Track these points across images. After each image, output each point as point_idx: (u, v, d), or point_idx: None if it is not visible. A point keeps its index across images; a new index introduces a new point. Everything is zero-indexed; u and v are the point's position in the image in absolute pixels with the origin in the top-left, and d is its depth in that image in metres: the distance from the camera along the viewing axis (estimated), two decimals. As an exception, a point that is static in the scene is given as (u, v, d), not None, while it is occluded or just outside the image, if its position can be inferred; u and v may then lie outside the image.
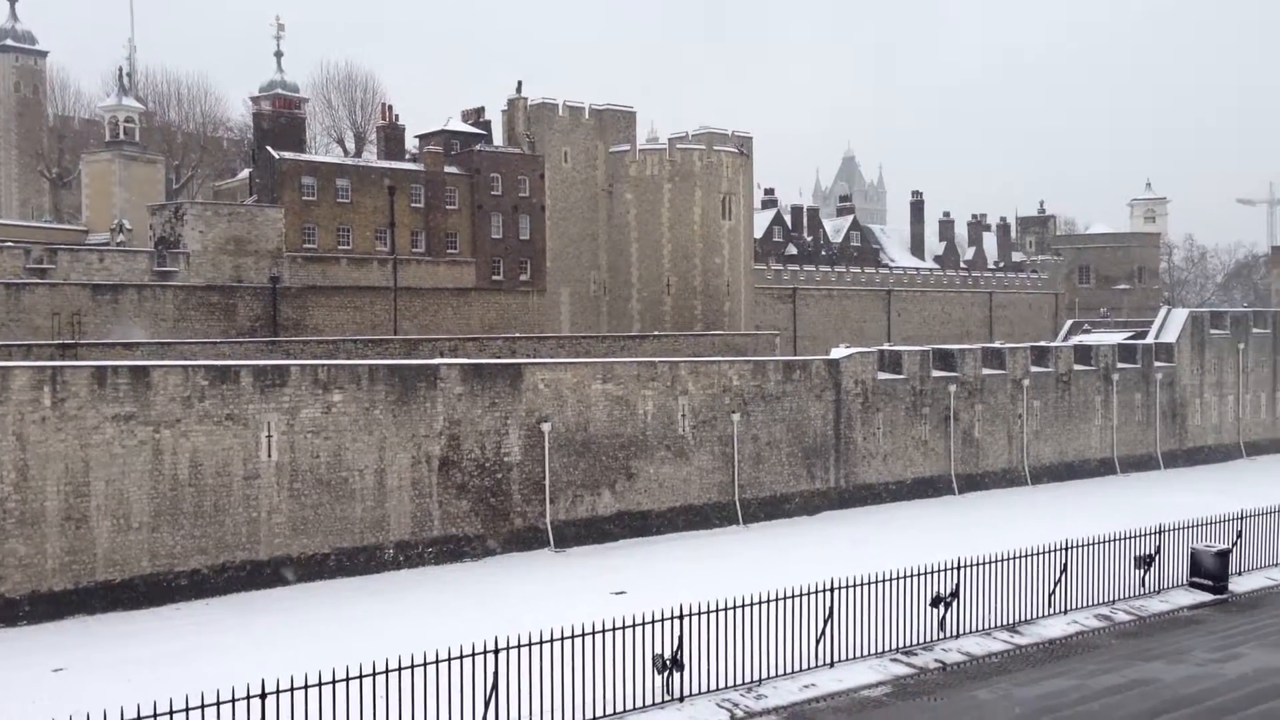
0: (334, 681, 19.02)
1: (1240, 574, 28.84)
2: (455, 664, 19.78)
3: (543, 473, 48.23)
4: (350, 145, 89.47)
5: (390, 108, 77.89)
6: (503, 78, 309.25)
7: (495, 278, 74.79)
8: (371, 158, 77.69)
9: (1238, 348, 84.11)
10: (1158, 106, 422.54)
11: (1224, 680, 16.73)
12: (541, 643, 20.30)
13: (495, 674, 19.90)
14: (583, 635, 20.63)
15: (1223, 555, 27.83)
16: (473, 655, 19.84)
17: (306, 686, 18.72)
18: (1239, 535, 29.28)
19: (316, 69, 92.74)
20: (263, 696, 18.41)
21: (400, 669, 19.32)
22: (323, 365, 43.73)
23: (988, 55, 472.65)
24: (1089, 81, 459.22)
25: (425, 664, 19.52)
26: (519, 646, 20.17)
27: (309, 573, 42.00)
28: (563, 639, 20.39)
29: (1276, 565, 29.86)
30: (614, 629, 20.86)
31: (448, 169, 73.33)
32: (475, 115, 79.46)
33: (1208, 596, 26.96)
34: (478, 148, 75.26)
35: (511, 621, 25.46)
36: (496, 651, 19.95)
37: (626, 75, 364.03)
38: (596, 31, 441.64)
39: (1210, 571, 27.50)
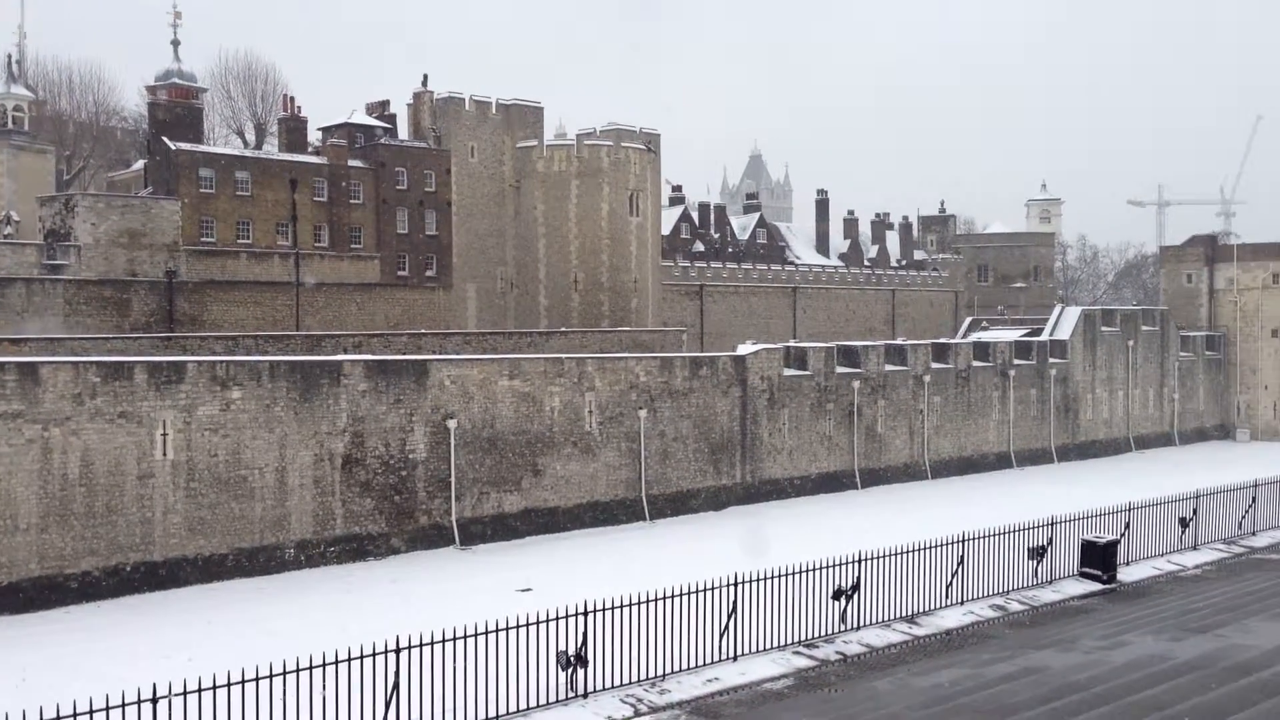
0: (229, 684, 18.62)
1: (1128, 564, 29.77)
2: (355, 664, 19.50)
3: (448, 470, 47.83)
4: (250, 137, 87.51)
5: (292, 99, 76.38)
6: (408, 71, 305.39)
7: (401, 273, 73.87)
8: (273, 150, 76.07)
9: (1127, 345, 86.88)
10: (1053, 107, 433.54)
11: (1110, 667, 17.24)
12: (444, 641, 20.12)
13: (396, 674, 19.67)
14: (486, 633, 20.50)
15: (1111, 546, 28.68)
16: (373, 655, 19.59)
17: (200, 690, 18.29)
18: (1127, 526, 30.21)
19: (215, 59, 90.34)
20: (154, 701, 17.94)
21: (298, 670, 18.98)
22: (221, 362, 42.78)
23: (895, 56, 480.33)
24: (989, 83, 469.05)
25: (324, 665, 19.21)
26: (421, 646, 19.96)
27: (206, 574, 41.07)
28: (465, 637, 20.23)
29: (1162, 555, 30.88)
30: (518, 626, 20.76)
31: (352, 163, 72.21)
32: (380, 108, 78.35)
33: (1097, 586, 27.78)
34: (382, 141, 74.24)
35: (414, 621, 25.18)
36: (398, 651, 19.72)
37: (536, 70, 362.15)
38: (504, 27, 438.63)
39: (1099, 562, 28.32)
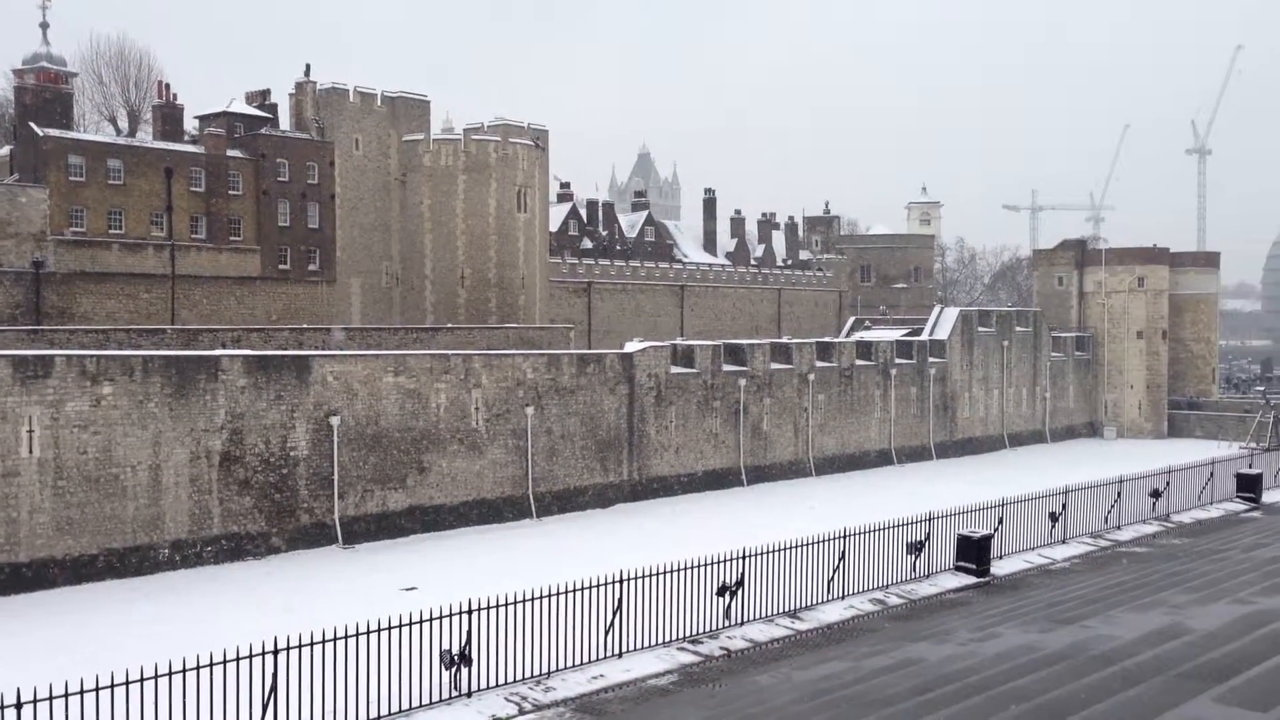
0: (97, 689, 17.97)
1: (1001, 558, 30.67)
2: (230, 666, 19.00)
3: (331, 467, 46.99)
4: (124, 124, 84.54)
5: (167, 86, 74.00)
6: (292, 61, 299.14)
7: (282, 267, 72.24)
8: (147, 138, 73.62)
9: (1002, 345, 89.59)
10: (929, 106, 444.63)
11: (983, 658, 17.75)
12: (324, 642, 19.73)
13: (274, 675, 19.22)
14: (368, 633, 20.17)
15: (985, 540, 29.53)
16: (249, 657, 19.11)
17: (67, 694, 17.62)
18: (1001, 521, 31.15)
19: (86, 43, 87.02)
20: (18, 706, 17.21)
21: (170, 674, 18.41)
22: (91, 356, 41.28)
23: (783, 58, 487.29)
24: (872, 85, 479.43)
25: (198, 668, 18.67)
26: (300, 646, 19.54)
27: (76, 575, 39.63)
28: (346, 637, 19.87)
29: (1034, 549, 31.90)
30: (400, 626, 20.48)
31: (231, 153, 70.33)
32: (261, 98, 76.47)
33: (972, 579, 28.56)
34: (263, 131, 72.49)
35: (294, 621, 24.66)
36: (275, 652, 19.27)
37: (426, 66, 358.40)
38: (391, 22, 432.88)
39: (974, 556, 29.14)
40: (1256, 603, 19.96)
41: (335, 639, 19.75)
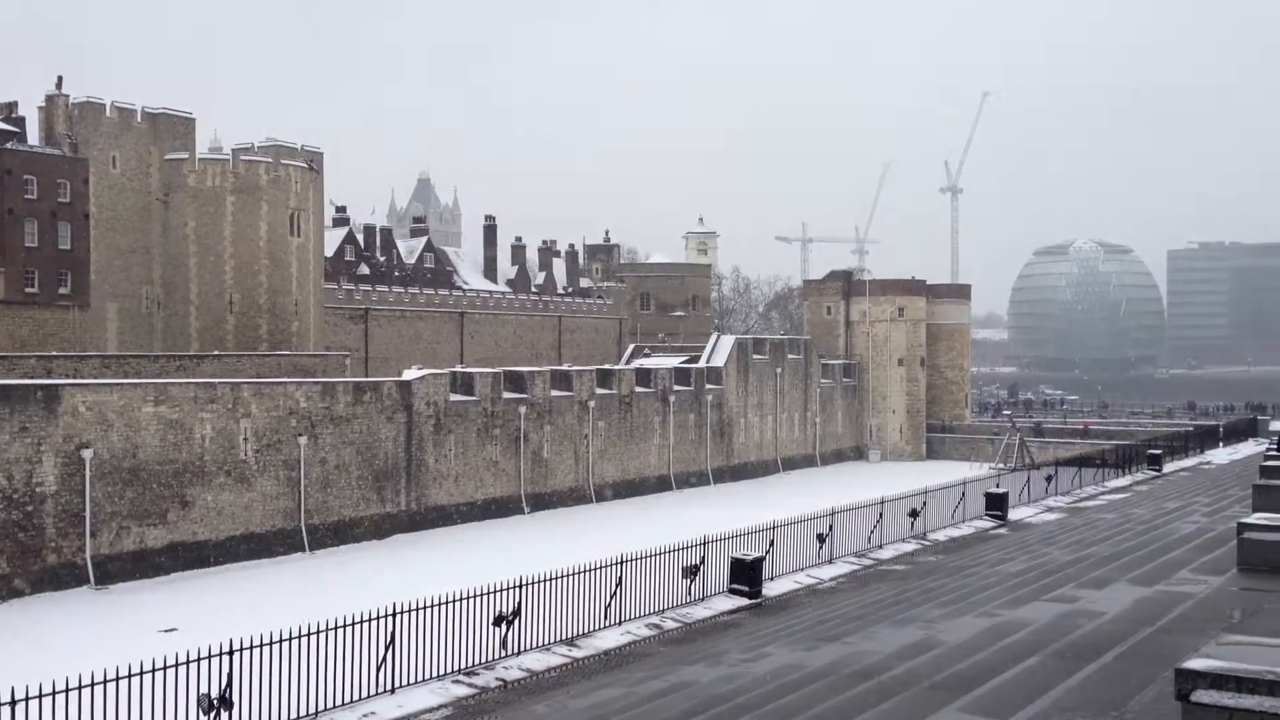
0: None
1: (773, 579, 31.52)
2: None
3: (83, 504, 44.09)
4: None
5: (-99, 93, 68.39)
6: (47, 73, 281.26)
7: (29, 290, 67.52)
8: (-125, 148, 67.67)
9: (776, 372, 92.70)
10: (708, 141, 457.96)
11: (752, 678, 18.16)
12: (66, 691, 18.35)
13: (11, 731, 17.76)
14: (116, 680, 18.87)
15: (757, 562, 30.29)
16: (-18, 713, 17.59)
17: None
18: (772, 543, 32.02)
19: None
20: None
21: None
22: None
23: (566, 96, 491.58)
24: (654, 115, 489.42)
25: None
26: (39, 697, 18.11)
27: None
28: (88, 686, 18.54)
29: (802, 569, 32.92)
30: (153, 670, 19.27)
31: (-27, 166, 65.46)
32: (7, 111, 71.56)
33: (744, 601, 29.22)
34: (8, 146, 67.77)
35: (37, 669, 22.87)
36: (14, 703, 17.82)
37: (193, 82, 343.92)
38: (158, 33, 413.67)
39: (747, 578, 29.85)
40: (1001, 615, 21.21)
41: (76, 688, 18.40)
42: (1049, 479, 47.94)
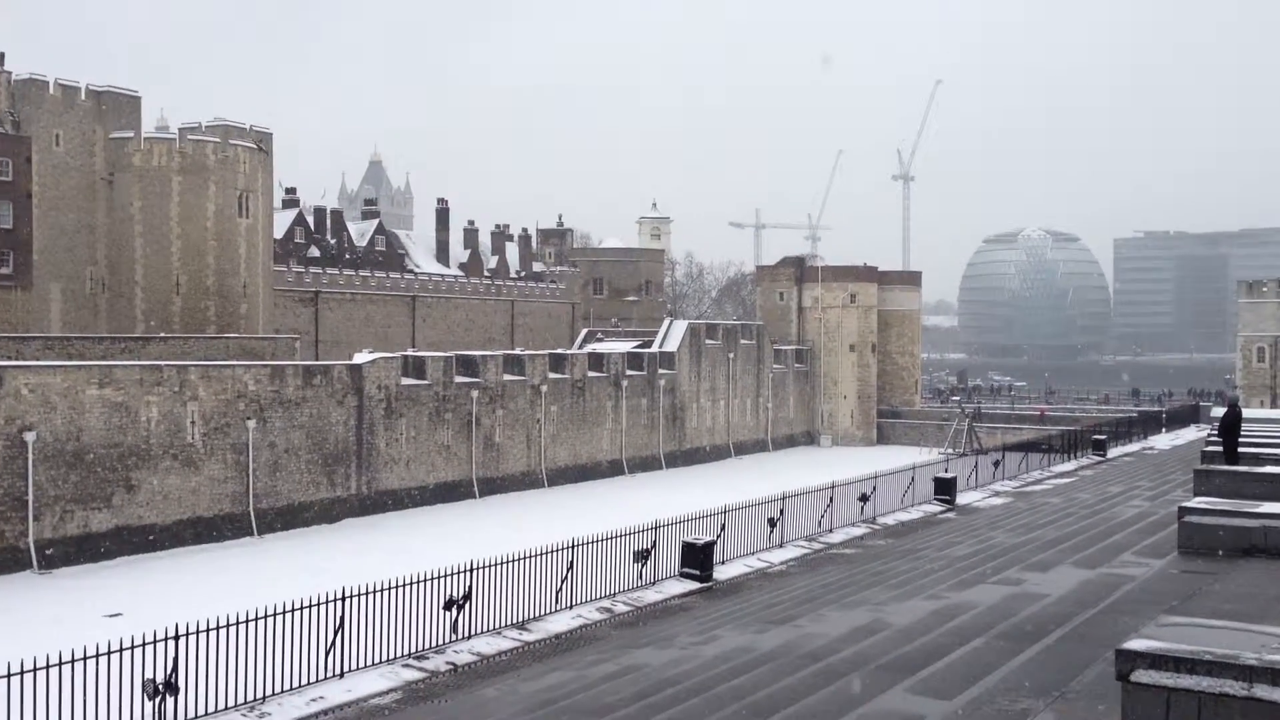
0: None
1: (724, 563, 31.64)
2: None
3: (25, 487, 43.38)
4: None
5: None
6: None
7: (-30, 269, 66.23)
8: None
9: (728, 357, 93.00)
10: (662, 125, 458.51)
11: (702, 661, 18.25)
12: (7, 676, 18.07)
13: (-52, 718, 17.47)
14: (59, 665, 18.60)
15: (708, 546, 30.40)
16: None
17: None
18: (724, 527, 32.14)
19: None
20: None
21: None
22: None
23: (521, 75, 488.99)
24: (609, 100, 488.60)
25: None
26: (-20, 684, 17.81)
27: None
28: (33, 670, 18.27)
29: (753, 553, 33.09)
30: (96, 656, 19.01)
31: (-90, 143, 63.97)
32: (-53, 85, 69.97)
33: (695, 585, 29.33)
34: (-50, 121, 66.32)
35: (-24, 656, 22.47)
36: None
37: (140, 62, 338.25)
38: (114, 11, 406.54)
39: (698, 562, 29.96)
40: (947, 597, 21.46)
41: (20, 672, 18.12)
42: (996, 464, 48.48)
